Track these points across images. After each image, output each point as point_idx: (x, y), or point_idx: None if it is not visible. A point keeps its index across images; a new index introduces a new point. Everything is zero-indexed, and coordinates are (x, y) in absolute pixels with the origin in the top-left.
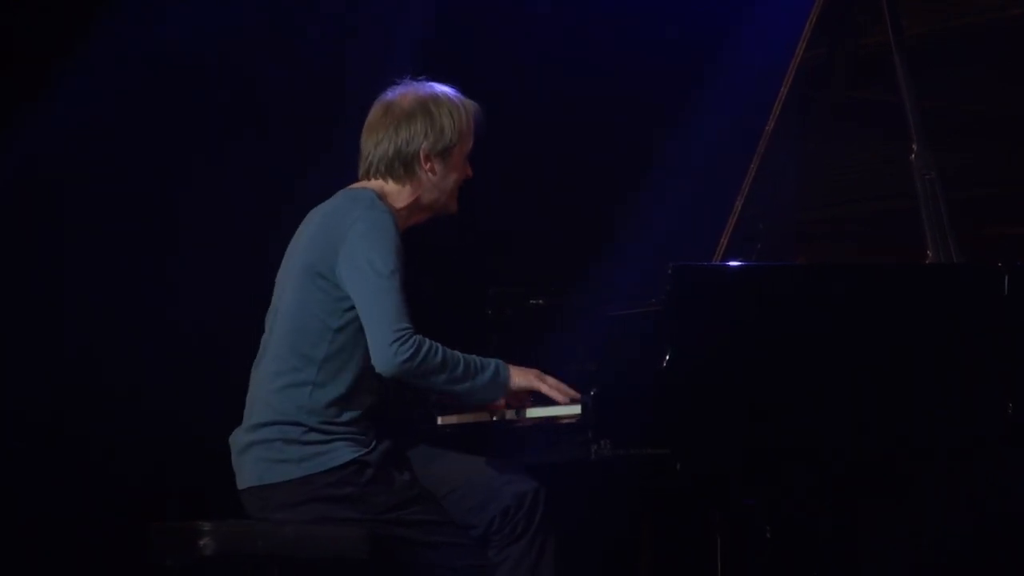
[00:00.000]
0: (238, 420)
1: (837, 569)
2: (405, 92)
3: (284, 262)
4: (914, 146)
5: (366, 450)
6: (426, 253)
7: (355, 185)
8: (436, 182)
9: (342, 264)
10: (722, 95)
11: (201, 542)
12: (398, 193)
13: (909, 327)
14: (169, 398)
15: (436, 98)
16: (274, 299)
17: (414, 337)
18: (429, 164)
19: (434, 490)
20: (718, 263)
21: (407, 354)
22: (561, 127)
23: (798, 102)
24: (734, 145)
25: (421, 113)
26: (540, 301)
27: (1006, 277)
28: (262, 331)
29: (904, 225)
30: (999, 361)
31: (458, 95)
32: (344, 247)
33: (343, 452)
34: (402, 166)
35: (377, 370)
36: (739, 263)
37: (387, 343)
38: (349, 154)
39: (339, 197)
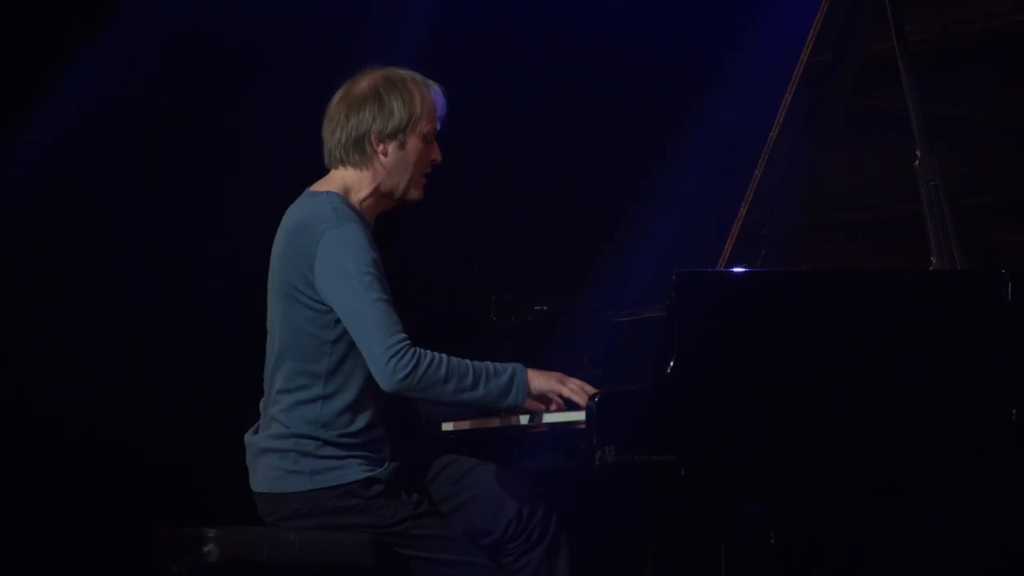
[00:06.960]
0: (247, 425)
1: None
2: (361, 78)
3: (269, 274)
4: (918, 152)
5: (378, 469)
6: (431, 259)
7: (318, 184)
8: (392, 166)
9: (320, 283)
10: (726, 100)
11: (207, 548)
12: (359, 182)
13: (913, 333)
14: (177, 403)
15: (388, 81)
16: (268, 310)
17: (412, 350)
18: (381, 146)
19: (446, 501)
20: (722, 269)
21: (407, 369)
22: (566, 132)
23: (802, 108)
24: (738, 151)
25: (371, 97)
26: (544, 307)
27: (1009, 283)
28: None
29: (908, 231)
30: (1003, 367)
31: (417, 77)
32: (317, 266)
33: (354, 470)
34: (356, 151)
35: (381, 388)
36: (743, 269)
37: (383, 361)
38: None
39: (305, 203)
